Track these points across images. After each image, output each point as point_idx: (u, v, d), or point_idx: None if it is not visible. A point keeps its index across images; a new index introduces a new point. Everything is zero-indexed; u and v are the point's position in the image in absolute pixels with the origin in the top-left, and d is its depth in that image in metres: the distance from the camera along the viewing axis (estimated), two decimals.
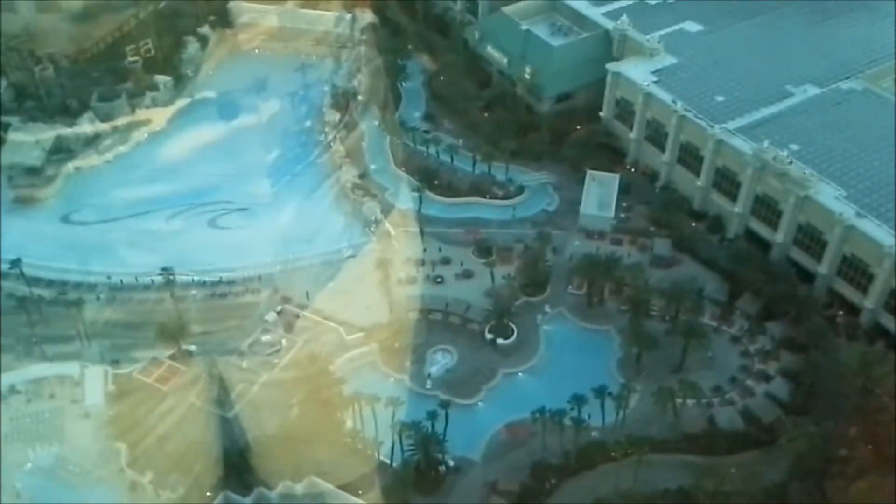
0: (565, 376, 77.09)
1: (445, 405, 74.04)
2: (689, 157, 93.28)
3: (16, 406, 75.69)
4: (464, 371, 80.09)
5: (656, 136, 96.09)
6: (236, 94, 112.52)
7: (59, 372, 78.11)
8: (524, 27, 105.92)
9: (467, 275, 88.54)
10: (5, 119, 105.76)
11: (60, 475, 70.61)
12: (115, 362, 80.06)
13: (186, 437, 74.20)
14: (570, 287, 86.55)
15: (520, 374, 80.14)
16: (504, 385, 79.08)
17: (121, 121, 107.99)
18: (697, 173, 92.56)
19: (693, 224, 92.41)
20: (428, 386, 78.71)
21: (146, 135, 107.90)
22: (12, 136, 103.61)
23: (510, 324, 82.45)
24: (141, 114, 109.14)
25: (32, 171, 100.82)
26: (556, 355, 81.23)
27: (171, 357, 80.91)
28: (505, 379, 79.53)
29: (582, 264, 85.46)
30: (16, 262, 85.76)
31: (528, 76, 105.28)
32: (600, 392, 72.86)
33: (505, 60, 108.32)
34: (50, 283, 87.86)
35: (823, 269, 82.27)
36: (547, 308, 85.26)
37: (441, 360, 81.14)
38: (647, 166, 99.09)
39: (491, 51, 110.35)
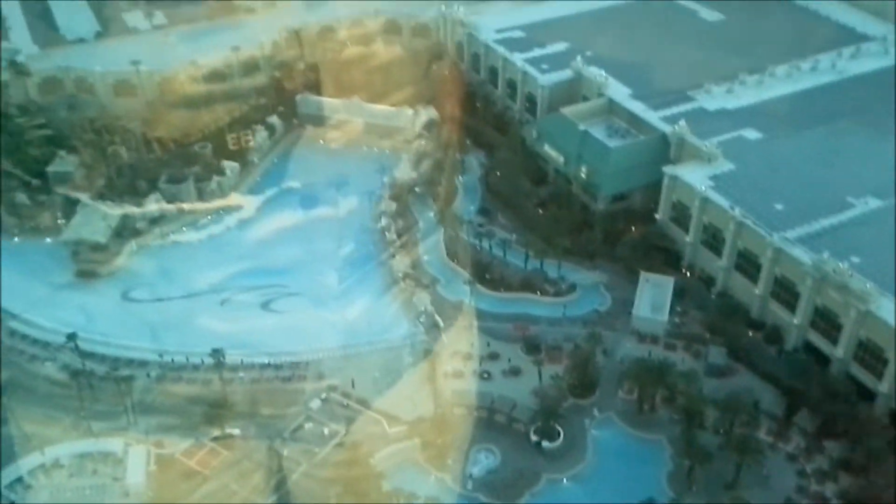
0: (612, 486, 74.61)
1: None
2: (747, 265, 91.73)
3: (58, 479, 76.09)
4: (507, 474, 77.90)
5: (713, 241, 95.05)
6: (307, 185, 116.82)
7: (103, 448, 78.69)
8: (582, 128, 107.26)
9: (514, 372, 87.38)
10: (76, 196, 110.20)
11: None
12: (159, 442, 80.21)
13: None
14: (620, 391, 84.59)
15: (565, 480, 77.60)
16: (548, 491, 76.52)
17: (187, 204, 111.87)
18: (755, 281, 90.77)
19: (750, 333, 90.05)
20: (469, 487, 76.71)
21: (210, 218, 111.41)
22: (81, 212, 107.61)
23: (557, 426, 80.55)
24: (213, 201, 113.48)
25: (97, 248, 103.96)
26: (604, 462, 78.66)
27: (215, 439, 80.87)
28: (549, 485, 76.99)
29: (633, 368, 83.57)
30: (72, 336, 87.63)
31: (584, 175, 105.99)
32: None
33: (561, 159, 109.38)
34: (103, 359, 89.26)
35: (885, 387, 78.97)
36: (595, 412, 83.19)
37: (484, 461, 79.20)
38: (702, 271, 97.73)
39: (548, 149, 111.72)
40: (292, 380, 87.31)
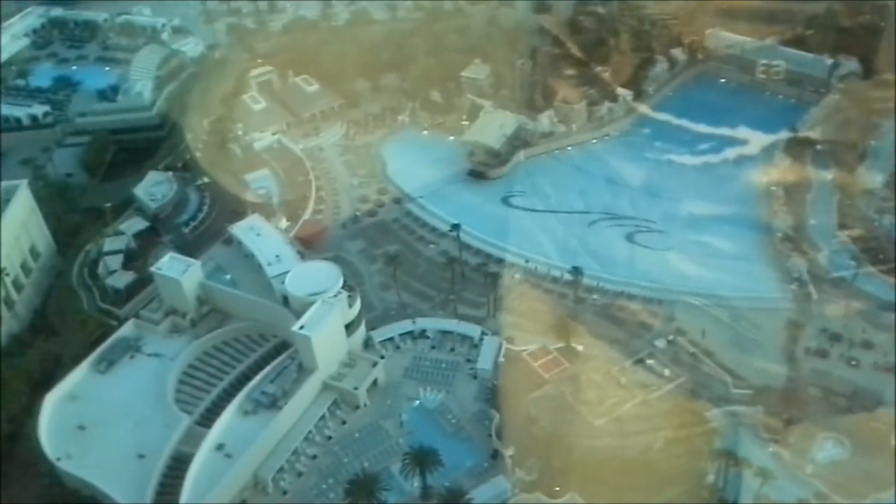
0: None
1: (822, 497, 66.83)
2: None
3: (421, 348, 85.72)
4: (855, 470, 71.10)
5: None
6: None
7: (464, 331, 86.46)
8: None
9: (889, 368, 78.42)
10: (482, 101, 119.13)
11: (439, 420, 78.51)
12: (511, 338, 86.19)
13: (553, 427, 77.24)
14: None
15: None
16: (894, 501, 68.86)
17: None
18: None
19: None
20: (808, 471, 71.59)
21: (598, 140, 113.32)
22: (483, 117, 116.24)
23: None
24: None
25: (491, 152, 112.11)
26: None
27: (559, 350, 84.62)
28: None
29: None
30: (455, 227, 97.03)
31: None
32: None
33: None
34: (478, 252, 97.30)
35: None
36: None
37: (831, 450, 73.07)
38: None
39: None
40: (642, 314, 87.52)
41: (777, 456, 72.84)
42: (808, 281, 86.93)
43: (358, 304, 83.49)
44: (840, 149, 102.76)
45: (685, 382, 79.71)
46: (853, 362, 79.46)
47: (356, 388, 78.93)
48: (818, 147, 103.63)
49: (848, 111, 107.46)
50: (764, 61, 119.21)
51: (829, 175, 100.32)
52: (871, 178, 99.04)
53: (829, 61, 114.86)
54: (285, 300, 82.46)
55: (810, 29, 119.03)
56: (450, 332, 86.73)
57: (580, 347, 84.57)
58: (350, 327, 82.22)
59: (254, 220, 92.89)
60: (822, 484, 70.13)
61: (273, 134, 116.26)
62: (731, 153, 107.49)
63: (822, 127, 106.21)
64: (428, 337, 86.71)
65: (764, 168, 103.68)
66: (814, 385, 77.76)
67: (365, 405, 79.38)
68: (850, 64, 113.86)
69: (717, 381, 79.28)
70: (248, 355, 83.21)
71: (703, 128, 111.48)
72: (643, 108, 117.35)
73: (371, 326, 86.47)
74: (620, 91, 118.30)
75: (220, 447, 73.01)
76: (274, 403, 76.08)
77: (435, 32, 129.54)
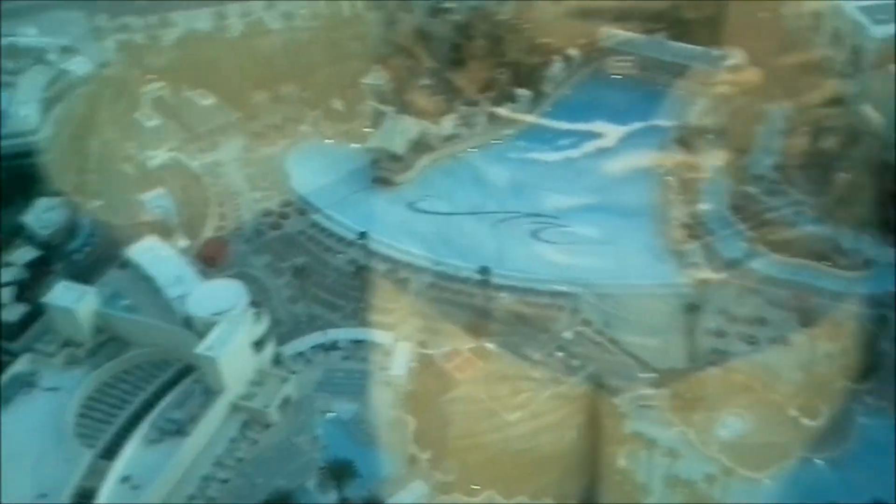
0: (869, 477, 69.04)
1: (727, 472, 69.35)
2: None
3: (333, 360, 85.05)
4: (756, 443, 74.34)
5: None
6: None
7: (376, 339, 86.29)
8: None
9: (783, 342, 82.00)
10: (384, 107, 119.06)
11: (354, 431, 78.13)
12: (423, 342, 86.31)
13: (468, 427, 77.96)
14: None
15: (818, 461, 72.57)
16: (797, 468, 72.18)
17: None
18: None
19: None
20: (713, 447, 74.22)
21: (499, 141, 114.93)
22: (386, 124, 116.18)
23: (820, 406, 74.72)
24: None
25: (395, 158, 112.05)
26: (867, 452, 72.58)
27: (472, 350, 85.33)
28: (800, 462, 72.56)
29: None
30: (363, 235, 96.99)
31: None
32: None
33: (881, 121, 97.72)
34: (385, 259, 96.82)
35: None
36: (868, 399, 76.25)
37: (733, 425, 76.00)
38: None
39: (868, 109, 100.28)
40: (551, 308, 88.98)
41: (683, 435, 75.26)
42: (704, 264, 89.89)
43: (265, 321, 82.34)
44: (729, 136, 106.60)
45: (593, 371, 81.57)
46: (750, 339, 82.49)
47: (267, 407, 77.86)
48: (709, 136, 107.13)
49: (734, 100, 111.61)
50: (652, 55, 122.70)
51: (720, 162, 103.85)
52: (760, 162, 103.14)
53: (716, 52, 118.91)
54: (188, 322, 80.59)
55: (660, 24, 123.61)
56: (362, 342, 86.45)
57: (491, 346, 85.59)
58: (258, 344, 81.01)
59: (151, 241, 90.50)
60: (727, 459, 72.85)
61: (168, 151, 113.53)
62: (590, 146, 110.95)
63: (711, 117, 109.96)
64: (340, 348, 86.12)
65: (657, 158, 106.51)
66: (714, 364, 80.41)
67: (277, 423, 78.17)
68: (736, 54, 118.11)
69: (624, 368, 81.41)
70: (151, 382, 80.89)
71: (578, 126, 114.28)
72: (540, 109, 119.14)
73: (281, 342, 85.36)
74: (520, 92, 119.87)
75: (126, 479, 71.30)
76: (180, 430, 74.43)
77: (334, 40, 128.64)
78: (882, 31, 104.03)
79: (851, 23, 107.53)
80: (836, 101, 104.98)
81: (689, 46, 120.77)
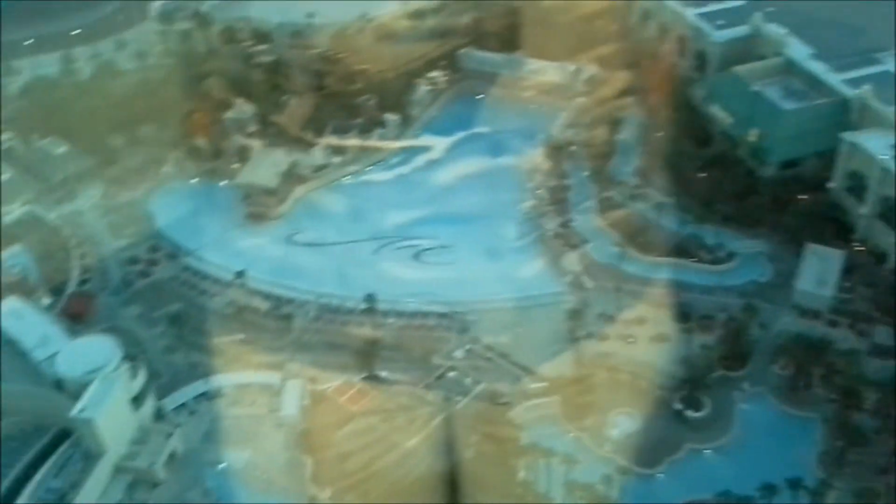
0: (757, 461, 72.03)
1: (623, 471, 71.31)
2: None
3: (220, 407, 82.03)
4: (646, 439, 76.86)
5: (891, 214, 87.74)
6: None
7: (262, 381, 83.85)
8: (755, 88, 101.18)
9: (662, 338, 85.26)
10: (251, 142, 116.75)
11: (248, 479, 75.41)
12: (313, 378, 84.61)
13: (367, 458, 76.86)
14: (774, 366, 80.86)
15: (707, 451, 75.71)
16: (688, 460, 75.02)
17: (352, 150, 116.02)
18: None
19: None
20: (607, 448, 76.25)
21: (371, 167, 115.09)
22: (254, 158, 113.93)
23: (702, 396, 78.20)
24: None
25: (267, 192, 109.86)
26: (751, 437, 76.04)
27: (364, 380, 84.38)
28: (690, 454, 75.46)
29: (791, 344, 79.85)
30: (240, 274, 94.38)
31: (753, 139, 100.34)
32: (795, 484, 67.28)
33: (730, 120, 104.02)
34: (267, 296, 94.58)
35: None
36: (746, 385, 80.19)
37: (623, 424, 78.38)
38: (876, 246, 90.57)
39: (715, 110, 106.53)
40: (438, 329, 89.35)
41: (578, 440, 76.96)
42: (580, 272, 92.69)
43: (142, 375, 78.39)
44: (591, 147, 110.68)
45: (486, 388, 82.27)
46: (630, 339, 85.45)
47: (153, 465, 73.99)
48: (571, 148, 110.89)
49: (593, 111, 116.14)
50: (515, 74, 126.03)
51: (585, 172, 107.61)
52: (621, 170, 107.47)
53: (572, 67, 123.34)
54: (59, 384, 75.74)
55: (466, 39, 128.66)
56: (248, 385, 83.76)
57: (384, 374, 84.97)
58: (137, 400, 76.88)
59: (11, 302, 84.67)
60: (621, 458, 74.98)
61: (23, 205, 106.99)
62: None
63: (572, 129, 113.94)
64: (224, 395, 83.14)
65: (527, 173, 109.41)
66: (598, 367, 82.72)
67: (165, 481, 74.51)
68: (591, 68, 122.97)
69: (515, 380, 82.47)
70: (26, 452, 74.98)
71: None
72: (410, 131, 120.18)
73: (161, 395, 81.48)
74: (387, 116, 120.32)
75: None
76: (62, 499, 69.71)
77: (191, 77, 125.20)
78: (722, 35, 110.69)
79: (693, 29, 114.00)
80: (686, 105, 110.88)
81: (546, 63, 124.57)
